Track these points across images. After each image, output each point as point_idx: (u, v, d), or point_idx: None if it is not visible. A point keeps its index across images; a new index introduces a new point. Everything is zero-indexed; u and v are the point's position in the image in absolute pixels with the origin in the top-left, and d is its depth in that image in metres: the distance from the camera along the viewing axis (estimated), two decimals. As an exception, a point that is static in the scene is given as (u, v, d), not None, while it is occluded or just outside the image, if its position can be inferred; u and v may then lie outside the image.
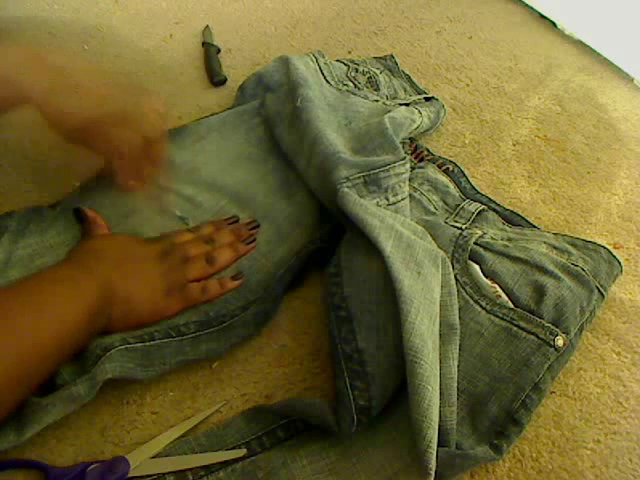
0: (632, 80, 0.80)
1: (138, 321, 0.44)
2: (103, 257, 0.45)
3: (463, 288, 0.49)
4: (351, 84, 0.64)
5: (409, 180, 0.55)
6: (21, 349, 0.36)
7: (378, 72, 0.68)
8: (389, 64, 0.72)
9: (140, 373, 0.42)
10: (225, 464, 0.40)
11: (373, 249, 0.43)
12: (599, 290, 0.51)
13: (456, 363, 0.43)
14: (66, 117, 0.46)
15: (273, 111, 0.60)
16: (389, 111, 0.59)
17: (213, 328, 0.46)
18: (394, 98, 0.66)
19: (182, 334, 0.45)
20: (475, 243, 0.52)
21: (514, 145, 0.68)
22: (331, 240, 0.51)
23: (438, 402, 0.39)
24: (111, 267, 0.44)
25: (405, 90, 0.69)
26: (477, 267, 0.50)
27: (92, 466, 0.39)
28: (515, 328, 0.47)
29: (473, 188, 0.61)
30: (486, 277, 0.50)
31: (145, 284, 0.45)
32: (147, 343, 0.43)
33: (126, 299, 0.43)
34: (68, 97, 0.47)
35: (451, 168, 0.62)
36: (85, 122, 0.47)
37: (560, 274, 0.50)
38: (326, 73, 0.64)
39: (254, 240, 0.52)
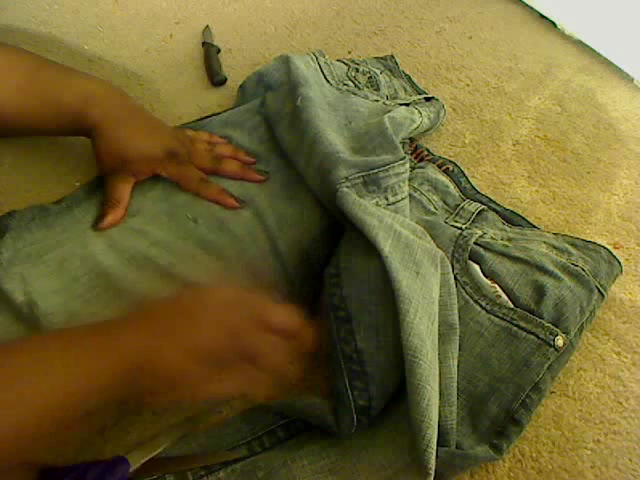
0: (632, 80, 0.79)
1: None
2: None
3: (463, 288, 0.49)
4: (351, 84, 0.64)
5: (409, 180, 0.55)
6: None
7: (378, 72, 0.68)
8: (389, 64, 0.72)
9: None
10: (225, 464, 0.40)
11: (372, 249, 0.43)
12: (599, 290, 0.51)
13: (456, 363, 0.43)
14: (127, 147, 0.49)
15: (273, 110, 0.60)
16: (389, 111, 0.58)
17: None
18: (394, 98, 0.66)
19: None
20: (475, 243, 0.52)
21: (514, 145, 0.68)
22: (332, 239, 0.51)
23: (437, 402, 0.39)
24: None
25: (405, 90, 0.69)
26: (477, 267, 0.50)
27: (92, 466, 0.39)
28: (515, 328, 0.47)
29: (473, 188, 0.61)
30: (486, 277, 0.50)
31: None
32: None
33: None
34: (133, 130, 0.50)
35: (451, 168, 0.62)
36: (143, 156, 0.50)
37: (560, 274, 0.50)
38: (326, 72, 0.64)
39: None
